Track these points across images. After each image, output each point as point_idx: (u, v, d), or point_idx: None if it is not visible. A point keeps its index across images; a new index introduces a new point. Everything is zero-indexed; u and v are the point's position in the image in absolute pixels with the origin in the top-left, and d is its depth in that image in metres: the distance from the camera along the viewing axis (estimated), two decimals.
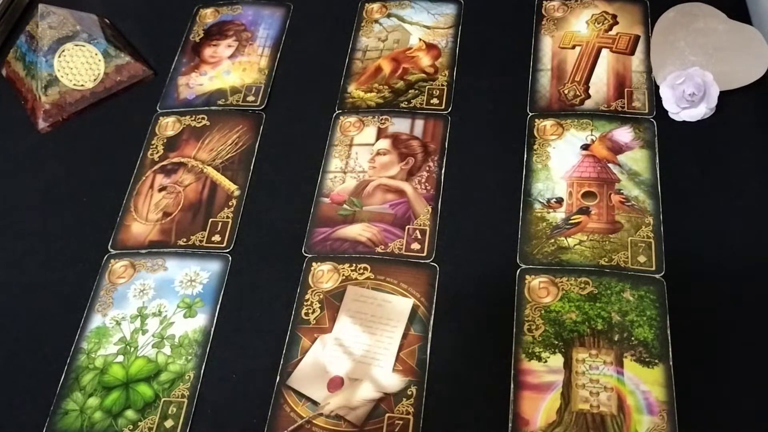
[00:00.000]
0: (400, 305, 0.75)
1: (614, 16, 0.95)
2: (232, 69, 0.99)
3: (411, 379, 0.71)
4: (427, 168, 0.85)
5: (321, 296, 0.77)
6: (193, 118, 0.94)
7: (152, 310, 0.78)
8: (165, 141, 0.93)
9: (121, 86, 0.99)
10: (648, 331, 0.70)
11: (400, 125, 0.89)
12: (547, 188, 0.81)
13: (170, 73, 1.00)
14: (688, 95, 0.82)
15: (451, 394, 0.70)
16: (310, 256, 0.80)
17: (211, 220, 0.84)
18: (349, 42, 0.99)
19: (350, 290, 0.77)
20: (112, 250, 0.84)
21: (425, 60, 0.95)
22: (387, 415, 0.69)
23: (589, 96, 0.88)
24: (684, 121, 0.84)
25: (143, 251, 0.83)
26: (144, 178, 0.89)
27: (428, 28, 0.99)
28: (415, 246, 0.79)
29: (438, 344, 0.72)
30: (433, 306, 0.75)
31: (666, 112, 0.85)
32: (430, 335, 0.73)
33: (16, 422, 0.73)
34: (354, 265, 0.78)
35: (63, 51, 0.96)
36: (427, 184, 0.84)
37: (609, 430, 0.66)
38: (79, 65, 0.97)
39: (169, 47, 1.03)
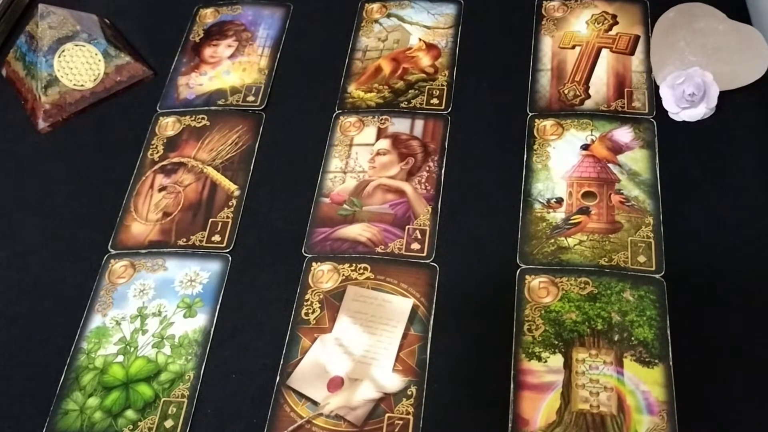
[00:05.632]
0: (400, 305, 0.75)
1: (614, 16, 0.95)
2: (232, 69, 0.99)
3: (411, 379, 0.71)
4: (427, 168, 0.85)
5: (321, 296, 0.77)
6: (193, 118, 0.94)
7: (152, 310, 0.78)
8: (165, 141, 0.92)
9: (121, 86, 0.99)
10: (648, 331, 0.70)
11: (400, 125, 0.89)
12: (547, 188, 0.81)
13: (170, 73, 1.00)
14: (688, 95, 0.82)
15: (451, 394, 0.70)
16: (310, 256, 0.80)
17: (211, 220, 0.84)
18: (349, 42, 0.99)
19: (350, 290, 0.77)
20: (112, 250, 0.84)
21: (425, 60, 0.95)
22: (387, 415, 0.69)
23: (589, 96, 0.88)
24: (684, 121, 0.84)
25: (143, 251, 0.83)
26: (144, 178, 0.89)
27: (428, 28, 0.99)
28: (415, 246, 0.79)
29: (438, 344, 0.72)
30: (433, 306, 0.75)
31: (666, 112, 0.85)
32: (430, 335, 0.73)
33: (16, 422, 0.73)
34: (354, 265, 0.78)
35: (63, 51, 0.96)
36: (427, 184, 0.84)
37: (609, 430, 0.66)
38: (79, 65, 0.97)
39: (169, 47, 1.03)
